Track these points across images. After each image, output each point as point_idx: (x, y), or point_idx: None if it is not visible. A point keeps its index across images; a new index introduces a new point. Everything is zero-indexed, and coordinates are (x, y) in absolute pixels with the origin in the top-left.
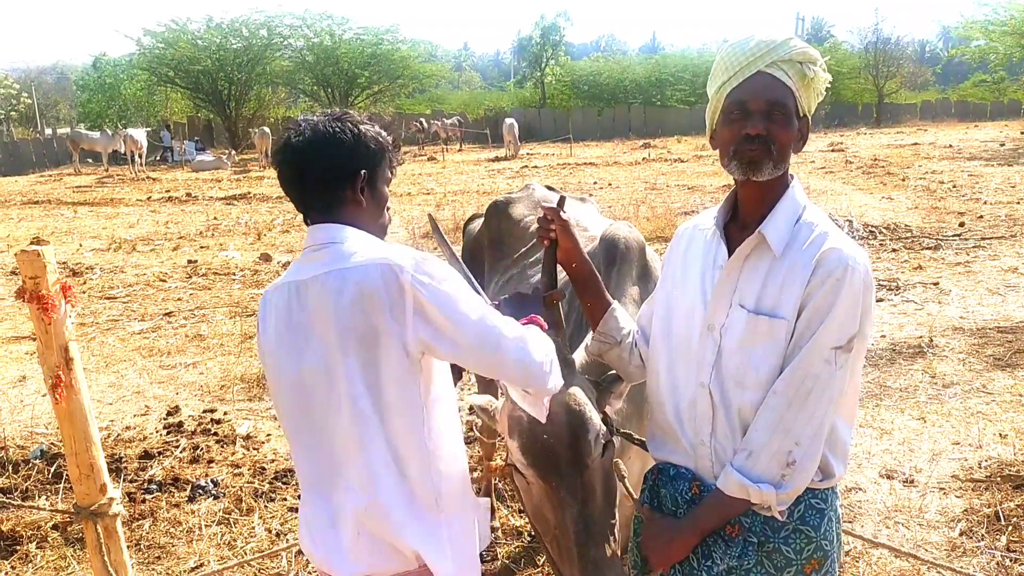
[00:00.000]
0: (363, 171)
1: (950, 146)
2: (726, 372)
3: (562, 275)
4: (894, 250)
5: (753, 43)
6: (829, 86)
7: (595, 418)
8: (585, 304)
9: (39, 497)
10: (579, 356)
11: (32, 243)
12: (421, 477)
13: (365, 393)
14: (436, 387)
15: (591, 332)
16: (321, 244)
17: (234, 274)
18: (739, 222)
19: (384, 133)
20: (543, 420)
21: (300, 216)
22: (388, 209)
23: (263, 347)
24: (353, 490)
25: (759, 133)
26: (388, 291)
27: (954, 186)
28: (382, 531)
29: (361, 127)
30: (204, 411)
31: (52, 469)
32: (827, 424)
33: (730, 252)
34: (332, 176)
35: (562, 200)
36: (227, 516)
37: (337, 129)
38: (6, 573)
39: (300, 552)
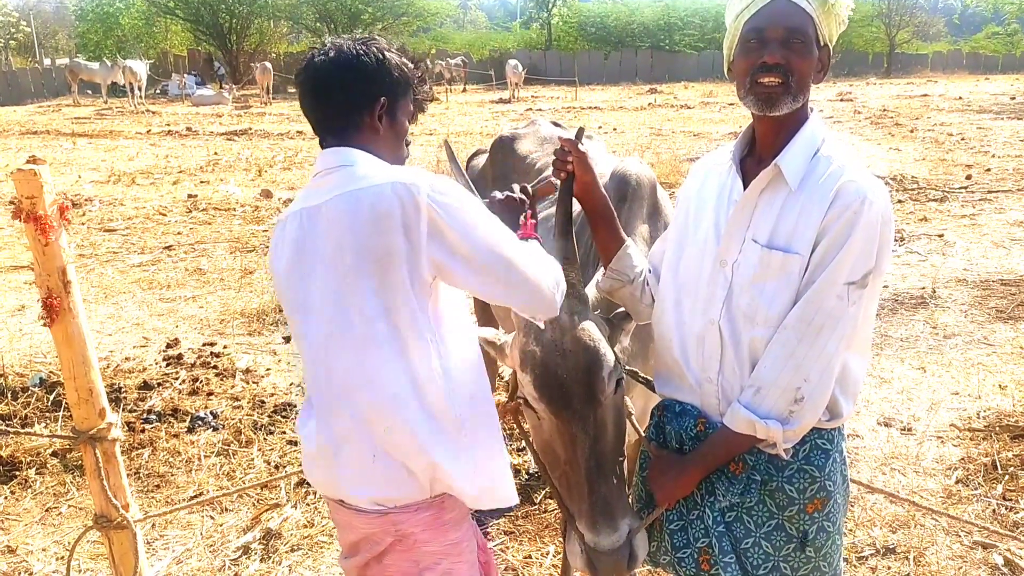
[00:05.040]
0: (383, 98)
1: (960, 98)
2: (737, 308)
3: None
4: (900, 201)
5: None
6: (851, 13)
7: (609, 354)
8: (599, 240)
9: (38, 424)
10: (590, 293)
11: (28, 162)
12: (440, 399)
13: (382, 315)
14: (451, 309)
15: (602, 268)
16: (332, 168)
17: (235, 210)
18: (756, 156)
19: (411, 65)
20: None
21: (301, 154)
22: (408, 144)
23: (276, 275)
24: (370, 413)
25: (777, 62)
26: (404, 211)
27: (962, 138)
28: (401, 454)
29: (386, 53)
30: (204, 344)
31: (51, 397)
32: (837, 361)
33: (746, 187)
34: (351, 98)
35: (580, 132)
36: (226, 447)
37: (361, 52)
38: (5, 498)
39: (300, 483)
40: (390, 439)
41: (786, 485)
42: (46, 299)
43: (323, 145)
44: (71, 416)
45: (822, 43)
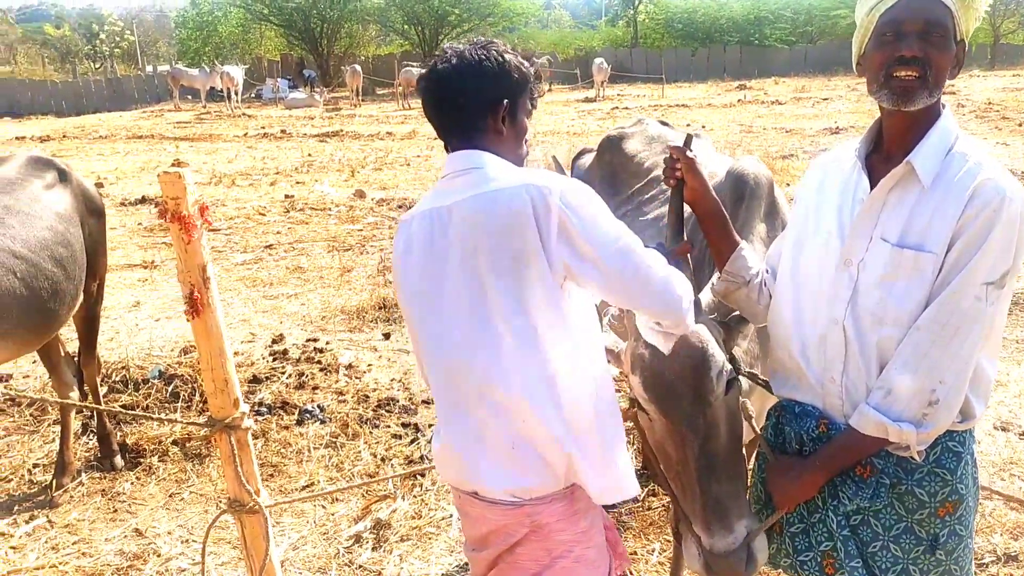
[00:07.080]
0: (505, 100)
1: None
2: (863, 308)
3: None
4: None
5: None
6: (988, 8)
7: (718, 355)
8: (712, 243)
9: (158, 414)
10: (705, 296)
11: (173, 165)
12: (575, 394)
13: (519, 312)
14: (582, 308)
15: (716, 272)
16: (461, 170)
17: (330, 209)
18: (882, 153)
19: (527, 64)
20: (667, 353)
21: (391, 154)
22: (527, 142)
23: (402, 274)
24: (508, 406)
25: (915, 55)
26: (536, 211)
27: None
28: (540, 445)
29: (506, 56)
30: (307, 340)
31: (169, 388)
32: (973, 362)
33: (872, 185)
34: (475, 104)
35: (689, 138)
36: (334, 440)
37: (483, 57)
38: (131, 483)
39: (407, 477)
40: (527, 431)
41: (916, 488)
42: (189, 294)
43: (448, 149)
44: (188, 407)
45: (959, 37)
